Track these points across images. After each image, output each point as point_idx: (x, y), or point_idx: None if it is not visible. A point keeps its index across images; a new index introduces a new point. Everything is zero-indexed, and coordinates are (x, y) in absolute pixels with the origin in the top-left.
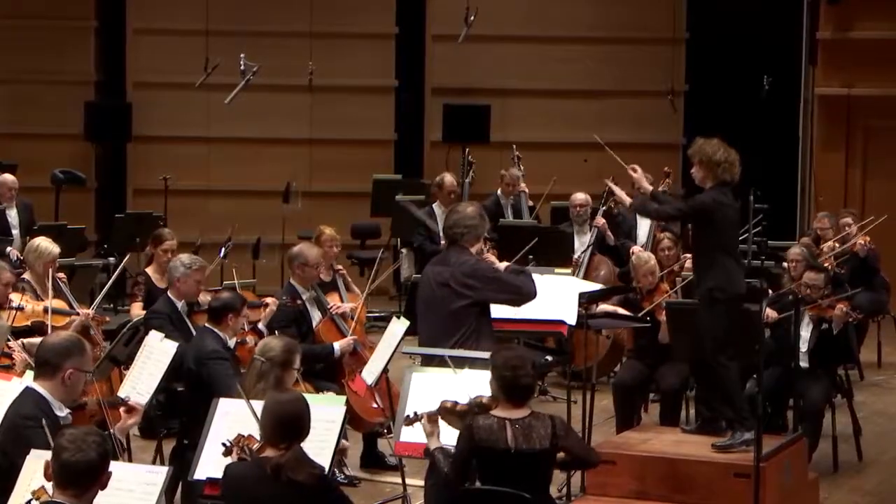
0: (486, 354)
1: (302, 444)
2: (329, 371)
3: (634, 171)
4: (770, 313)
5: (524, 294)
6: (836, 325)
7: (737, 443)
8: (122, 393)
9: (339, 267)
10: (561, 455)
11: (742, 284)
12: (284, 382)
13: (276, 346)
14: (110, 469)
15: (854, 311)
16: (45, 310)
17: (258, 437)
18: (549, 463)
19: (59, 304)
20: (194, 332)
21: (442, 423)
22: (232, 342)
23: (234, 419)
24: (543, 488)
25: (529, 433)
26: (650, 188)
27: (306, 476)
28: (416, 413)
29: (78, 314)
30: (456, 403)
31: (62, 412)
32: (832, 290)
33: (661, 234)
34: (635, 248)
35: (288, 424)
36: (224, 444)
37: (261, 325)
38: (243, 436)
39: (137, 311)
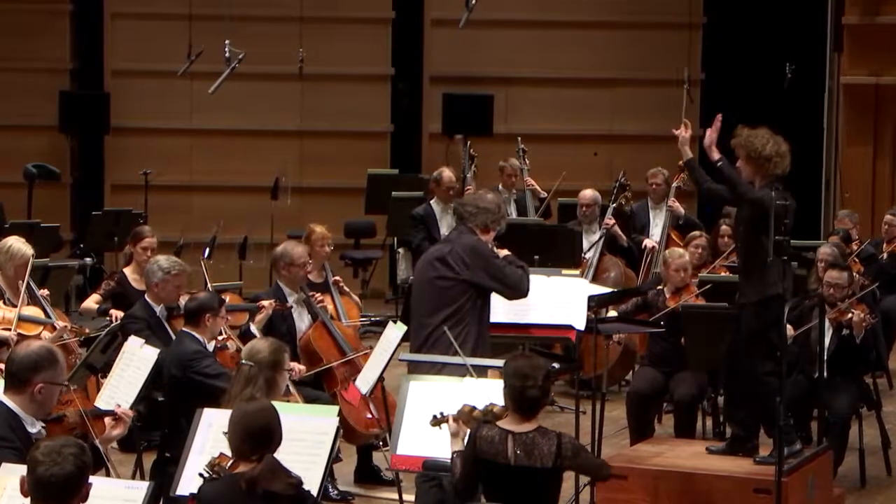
0: (489, 362)
1: (292, 459)
2: (320, 379)
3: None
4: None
5: (516, 288)
6: (856, 333)
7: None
8: (98, 402)
9: (338, 278)
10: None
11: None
12: (276, 385)
13: (264, 348)
14: (90, 481)
15: (871, 313)
16: (18, 318)
17: (229, 454)
18: (550, 483)
19: (32, 311)
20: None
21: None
22: (210, 346)
23: (219, 430)
24: None
25: (531, 450)
26: (692, 155)
27: (283, 486)
28: (442, 413)
29: (51, 323)
30: (474, 408)
31: (34, 428)
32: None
33: (721, 222)
34: (648, 242)
35: (257, 436)
36: (202, 476)
37: (253, 328)
38: (215, 457)
39: (91, 303)
